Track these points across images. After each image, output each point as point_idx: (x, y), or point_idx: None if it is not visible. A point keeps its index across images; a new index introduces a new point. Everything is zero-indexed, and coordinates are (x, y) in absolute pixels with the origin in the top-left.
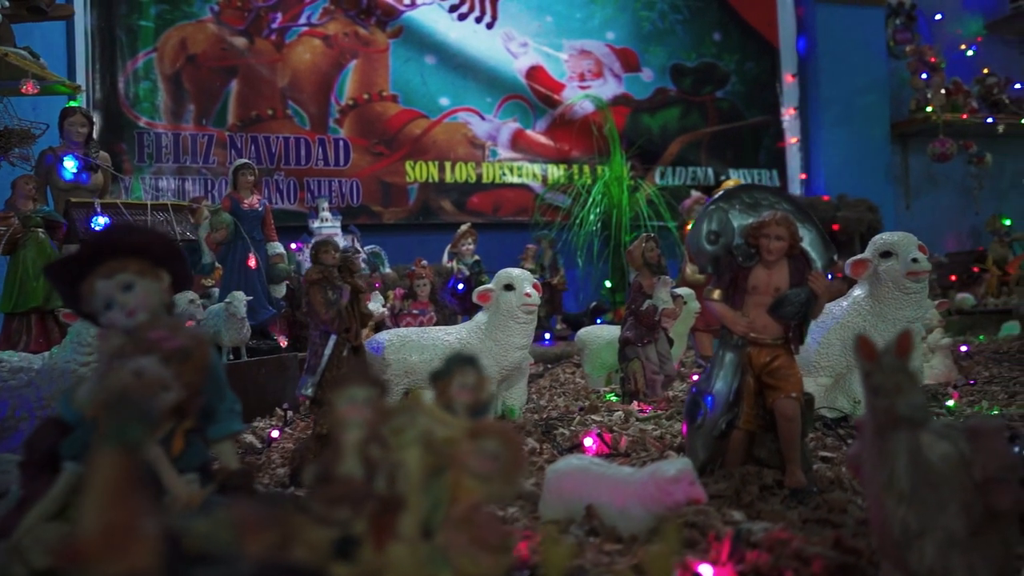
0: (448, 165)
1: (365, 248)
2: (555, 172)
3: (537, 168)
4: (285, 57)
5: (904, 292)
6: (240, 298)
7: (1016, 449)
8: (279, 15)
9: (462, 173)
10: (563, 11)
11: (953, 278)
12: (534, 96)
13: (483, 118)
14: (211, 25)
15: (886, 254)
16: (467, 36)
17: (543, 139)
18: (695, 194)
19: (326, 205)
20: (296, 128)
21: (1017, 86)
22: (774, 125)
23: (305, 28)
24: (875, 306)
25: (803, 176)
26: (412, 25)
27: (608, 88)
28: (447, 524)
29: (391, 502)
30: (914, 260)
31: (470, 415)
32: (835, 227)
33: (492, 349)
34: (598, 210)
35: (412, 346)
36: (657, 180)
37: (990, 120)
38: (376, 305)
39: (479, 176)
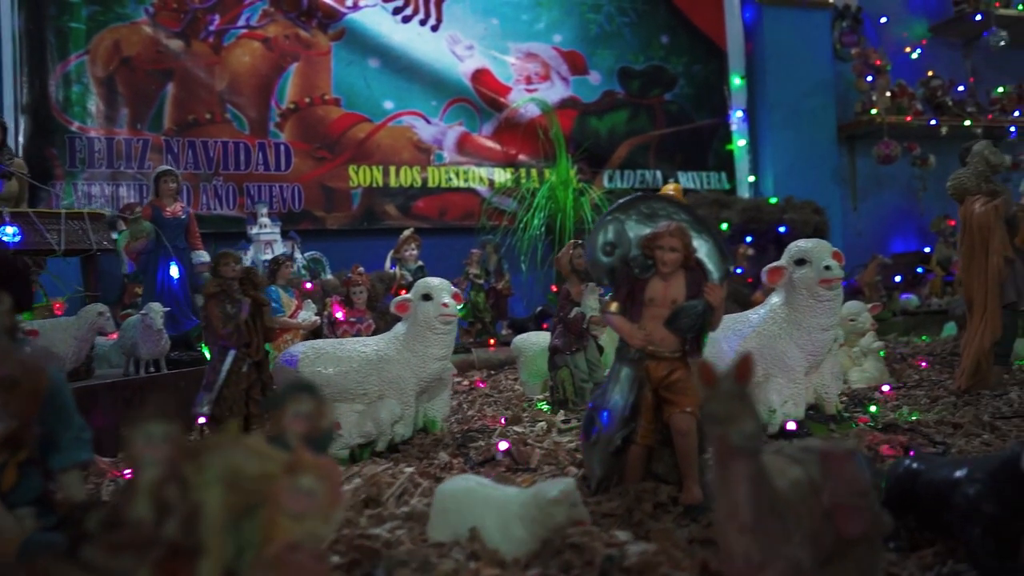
0: (393, 169)
1: (305, 255)
2: (502, 176)
3: (484, 172)
4: (223, 60)
5: (817, 299)
6: (156, 310)
7: (911, 464)
8: (217, 17)
9: (407, 177)
10: (509, 14)
11: (898, 278)
12: (480, 99)
13: (428, 122)
14: (146, 27)
15: (800, 261)
16: (411, 39)
17: (490, 143)
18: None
19: (265, 211)
20: (235, 132)
21: (960, 88)
22: (722, 128)
23: (244, 30)
24: (790, 314)
25: (752, 178)
26: (355, 27)
27: (555, 91)
28: (256, 567)
29: (184, 548)
30: (827, 267)
31: (307, 446)
32: (781, 229)
33: (410, 360)
34: (543, 214)
35: (328, 358)
36: (605, 183)
37: (933, 122)
38: (308, 314)
39: (424, 180)
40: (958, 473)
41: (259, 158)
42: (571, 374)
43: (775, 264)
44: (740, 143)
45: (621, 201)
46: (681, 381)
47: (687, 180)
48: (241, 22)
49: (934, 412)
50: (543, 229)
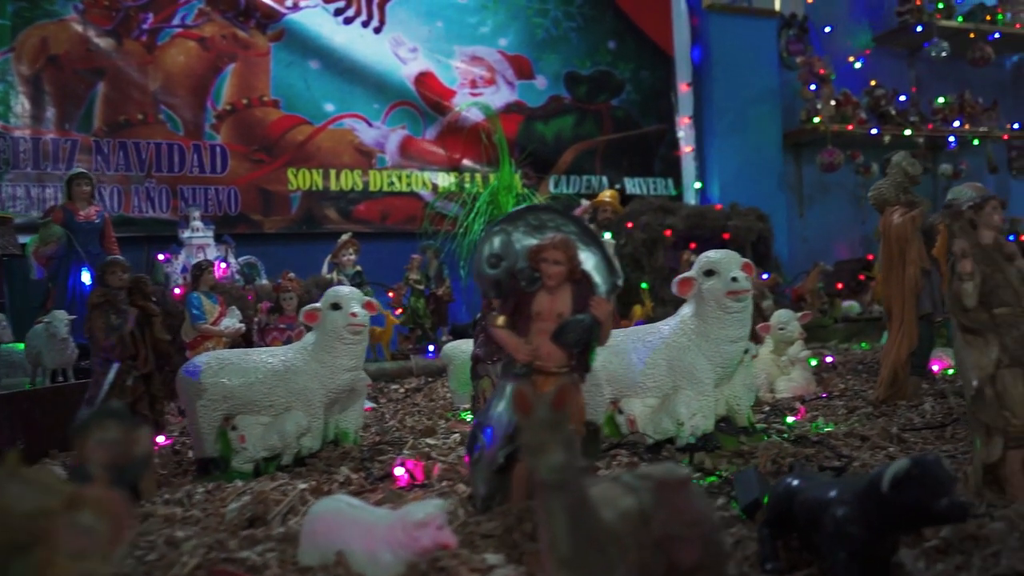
0: (333, 173)
1: (240, 259)
2: (446, 180)
3: (427, 176)
4: (157, 59)
5: (726, 311)
6: (60, 318)
7: (792, 480)
8: (150, 15)
9: (348, 181)
10: (454, 17)
11: (840, 286)
12: (424, 103)
13: (370, 125)
14: (75, 24)
15: (709, 272)
16: (353, 40)
17: (433, 147)
18: (584, 203)
19: (197, 214)
20: (169, 134)
21: (903, 98)
22: (669, 134)
23: (179, 29)
24: (700, 325)
25: (698, 185)
26: (294, 28)
27: (501, 95)
28: None
29: None
30: (734, 279)
31: (113, 476)
32: (725, 236)
33: (318, 371)
34: (484, 219)
35: (231, 369)
36: (551, 189)
37: (875, 131)
38: (232, 321)
39: (366, 184)
40: (831, 493)
41: (194, 160)
42: (492, 384)
43: (684, 275)
44: (687, 149)
45: (510, 212)
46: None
47: (633, 186)
48: (176, 21)
49: (848, 423)
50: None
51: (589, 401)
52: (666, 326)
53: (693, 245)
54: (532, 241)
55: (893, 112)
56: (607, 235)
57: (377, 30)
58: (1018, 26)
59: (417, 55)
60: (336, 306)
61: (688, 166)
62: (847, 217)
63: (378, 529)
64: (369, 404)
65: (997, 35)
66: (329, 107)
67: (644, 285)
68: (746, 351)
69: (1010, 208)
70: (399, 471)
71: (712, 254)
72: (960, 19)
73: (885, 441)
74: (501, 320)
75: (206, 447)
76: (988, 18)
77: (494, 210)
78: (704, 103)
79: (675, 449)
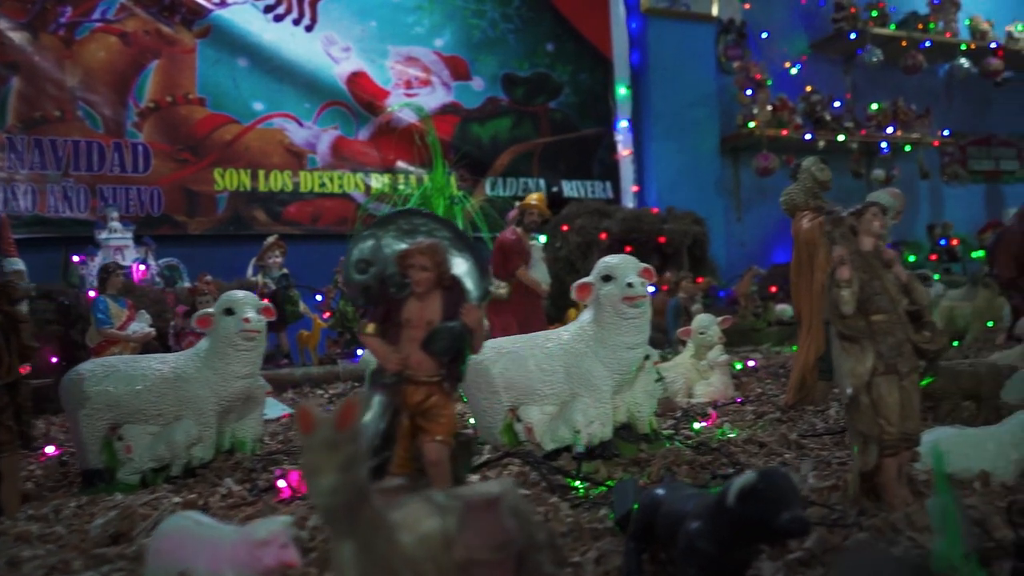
0: (262, 173)
1: (160, 261)
2: (380, 181)
3: (360, 177)
4: (75, 54)
5: (622, 317)
6: None
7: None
8: (68, 9)
9: (277, 182)
10: (388, 16)
11: (773, 289)
12: (356, 103)
13: (301, 125)
14: None
15: (607, 278)
16: (284, 38)
17: (366, 148)
18: (519, 205)
19: (116, 214)
20: (88, 131)
21: (838, 104)
22: (608, 137)
23: (99, 24)
24: (598, 331)
25: (636, 188)
26: (222, 25)
27: (437, 96)
28: None
29: None
30: (629, 285)
31: None
32: (661, 239)
33: (210, 378)
34: None
35: (117, 377)
36: (487, 191)
37: (810, 136)
38: (141, 325)
39: (296, 185)
40: (687, 507)
41: (114, 159)
42: None
43: (583, 280)
44: (625, 153)
45: (383, 216)
46: (436, 407)
47: (571, 189)
48: (96, 15)
49: (753, 429)
50: None
51: (487, 408)
52: (566, 332)
53: (629, 249)
54: (402, 246)
55: (828, 118)
56: (541, 238)
57: (309, 28)
58: (948, 35)
59: (350, 54)
60: (229, 311)
61: (626, 169)
62: (784, 221)
63: (223, 548)
64: (287, 410)
65: (929, 43)
66: (258, 106)
67: None
68: (647, 357)
69: (942, 213)
70: (282, 483)
71: (610, 259)
72: (893, 27)
73: (782, 447)
74: (371, 328)
75: (90, 458)
76: (920, 26)
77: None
78: (643, 106)
79: (571, 457)
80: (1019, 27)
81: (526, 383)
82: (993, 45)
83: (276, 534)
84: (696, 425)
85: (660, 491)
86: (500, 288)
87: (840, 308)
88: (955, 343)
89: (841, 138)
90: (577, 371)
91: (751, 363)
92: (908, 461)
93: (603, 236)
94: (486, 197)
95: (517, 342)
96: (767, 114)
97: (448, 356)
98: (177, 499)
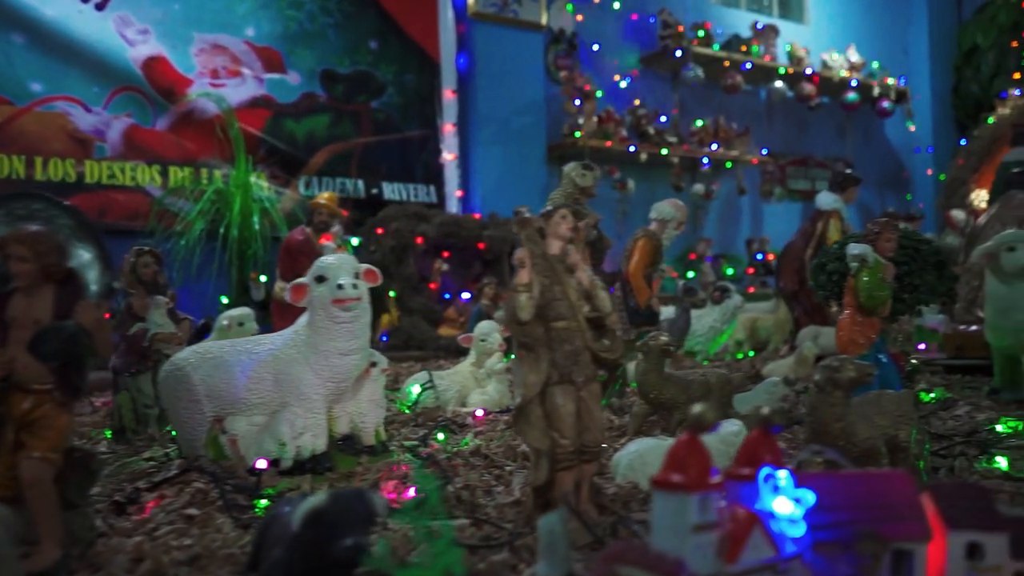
0: (40, 161)
1: None
2: (179, 175)
3: (156, 170)
4: None
5: (333, 321)
6: None
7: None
8: None
9: (58, 171)
10: (194, 0)
11: None
12: (153, 90)
13: (88, 110)
14: None
15: (320, 279)
16: (70, 15)
17: (165, 138)
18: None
19: None
20: None
21: (664, 119)
22: (432, 140)
23: None
24: (310, 336)
25: (460, 193)
26: None
27: (247, 88)
28: None
29: None
30: (340, 286)
31: None
32: (480, 245)
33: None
34: (206, 219)
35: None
36: (302, 190)
37: (633, 149)
38: None
39: (81, 175)
40: (282, 530)
41: None
42: (132, 399)
43: (299, 280)
44: (450, 157)
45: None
46: (44, 419)
47: (393, 192)
48: None
49: (501, 439)
50: (204, 235)
51: (187, 420)
52: (280, 337)
53: (446, 254)
54: None
55: (652, 132)
56: (353, 240)
57: (100, 7)
58: (768, 59)
59: (148, 38)
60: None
61: (451, 174)
62: (609, 231)
63: None
64: None
65: (750, 65)
66: (36, 87)
67: (392, 293)
68: (374, 364)
69: (761, 229)
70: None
71: (325, 259)
72: (716, 47)
73: (506, 459)
74: None
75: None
76: (743, 48)
77: (220, 208)
78: (469, 111)
79: (276, 472)
80: (834, 55)
81: (231, 392)
82: (809, 71)
83: None
84: (440, 436)
85: (285, 507)
86: (285, 291)
87: (517, 314)
88: (751, 353)
89: (664, 152)
90: (287, 379)
91: None
92: (592, 475)
93: (419, 240)
94: (302, 197)
95: (224, 347)
96: (592, 125)
97: (58, 360)
98: None
